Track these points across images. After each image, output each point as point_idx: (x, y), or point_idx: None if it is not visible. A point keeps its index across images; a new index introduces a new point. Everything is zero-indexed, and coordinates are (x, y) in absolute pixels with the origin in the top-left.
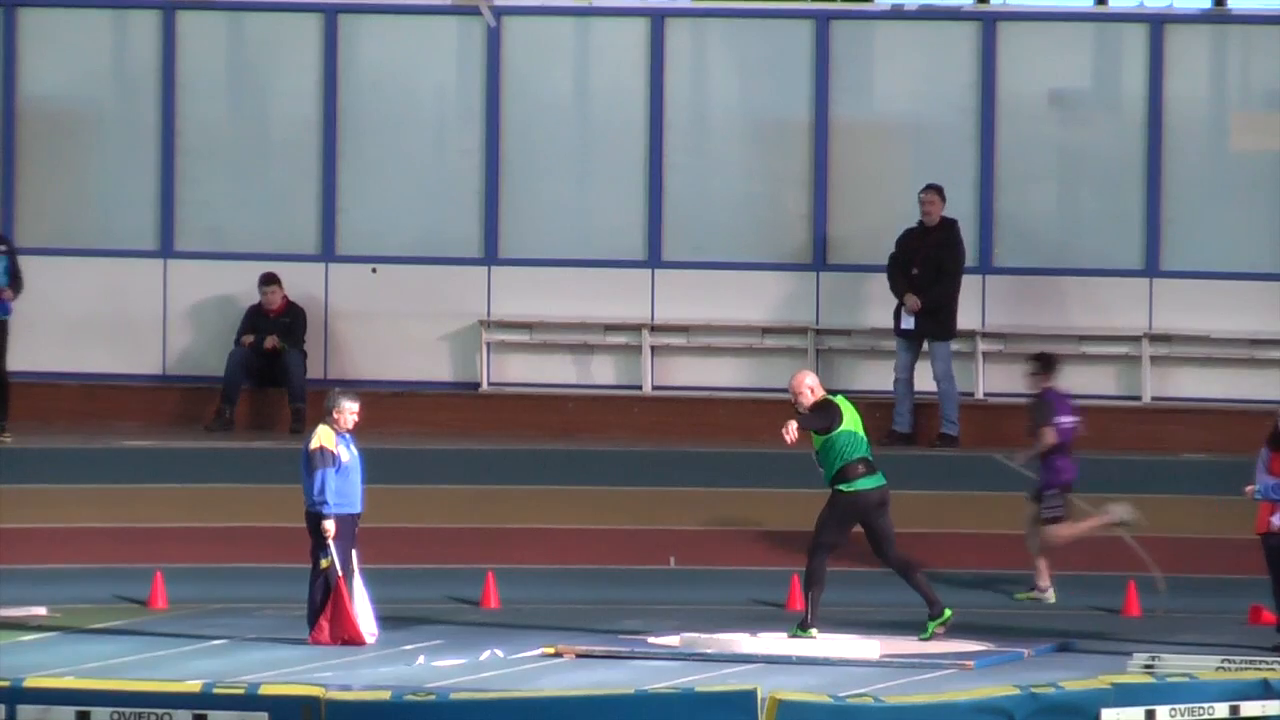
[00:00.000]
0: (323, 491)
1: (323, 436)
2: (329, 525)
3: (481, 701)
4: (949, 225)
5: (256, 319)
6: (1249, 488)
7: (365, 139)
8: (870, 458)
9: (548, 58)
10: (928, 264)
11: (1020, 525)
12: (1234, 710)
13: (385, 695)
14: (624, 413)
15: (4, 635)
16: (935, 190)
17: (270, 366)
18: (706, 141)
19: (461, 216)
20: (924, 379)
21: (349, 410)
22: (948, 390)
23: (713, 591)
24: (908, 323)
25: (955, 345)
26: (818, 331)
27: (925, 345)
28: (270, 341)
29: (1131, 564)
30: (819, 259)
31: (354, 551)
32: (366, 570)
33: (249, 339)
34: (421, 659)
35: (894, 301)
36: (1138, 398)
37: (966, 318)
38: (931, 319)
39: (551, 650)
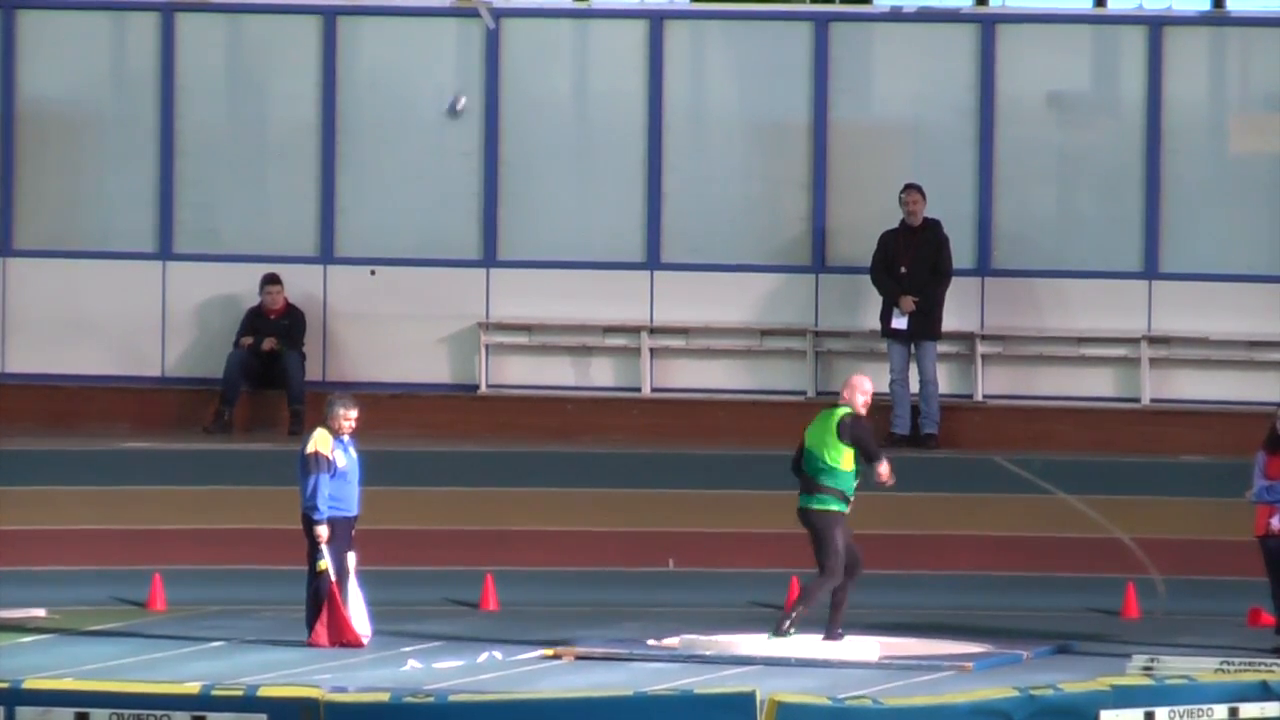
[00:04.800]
0: (315, 496)
1: (318, 441)
2: (321, 531)
3: (480, 704)
4: (934, 225)
5: (256, 320)
6: (1249, 493)
7: (364, 141)
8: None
9: (547, 60)
10: (918, 264)
11: (1019, 527)
12: (1233, 712)
13: (384, 697)
14: (623, 415)
15: (3, 637)
16: (917, 190)
17: (269, 368)
18: (705, 143)
19: (460, 218)
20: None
21: (344, 416)
22: (934, 391)
23: (712, 594)
24: (900, 323)
25: (954, 347)
26: (816, 334)
27: (912, 346)
28: (269, 343)
29: (1130, 566)
30: (818, 261)
31: (351, 554)
32: (365, 572)
33: (248, 340)
34: (412, 663)
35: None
36: (1137, 400)
37: (966, 320)
38: (924, 319)
39: (551, 652)
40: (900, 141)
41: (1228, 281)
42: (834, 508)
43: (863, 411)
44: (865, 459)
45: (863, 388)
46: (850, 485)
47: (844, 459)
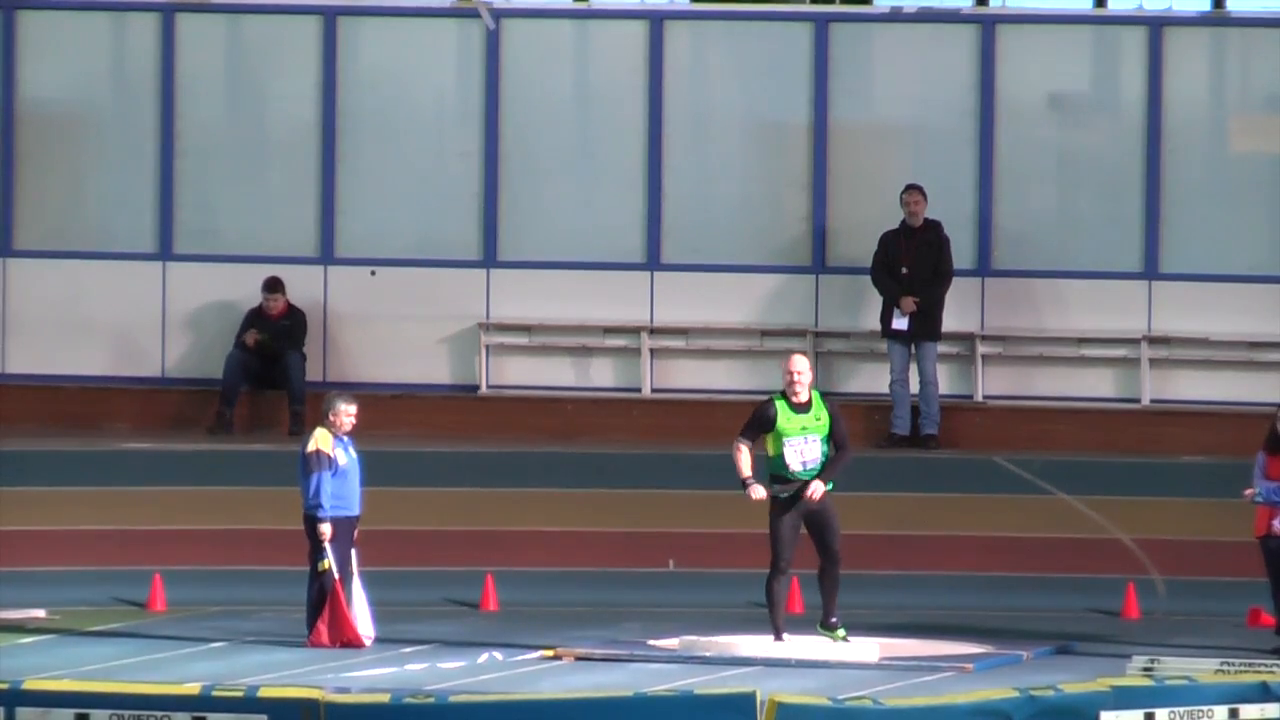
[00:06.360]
0: (318, 494)
1: (319, 439)
2: (325, 528)
3: (481, 704)
4: (935, 226)
5: (256, 321)
6: (1248, 491)
7: (364, 141)
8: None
9: (547, 60)
10: (919, 265)
11: (1019, 527)
12: (1233, 713)
13: (384, 698)
14: (623, 415)
15: (3, 638)
16: (918, 190)
17: (269, 369)
18: (706, 144)
19: (460, 219)
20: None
21: (344, 413)
22: (934, 391)
23: (712, 594)
24: (901, 323)
25: (955, 348)
26: (816, 334)
27: (912, 347)
28: (250, 336)
29: (1130, 566)
30: (818, 261)
31: (353, 553)
32: (365, 572)
33: (249, 336)
34: (411, 664)
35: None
36: (1137, 400)
37: (966, 320)
38: (924, 320)
39: (551, 653)
40: (900, 141)
41: (1228, 281)
42: (772, 491)
43: (794, 391)
44: None
45: (784, 368)
46: (774, 468)
47: (766, 446)
